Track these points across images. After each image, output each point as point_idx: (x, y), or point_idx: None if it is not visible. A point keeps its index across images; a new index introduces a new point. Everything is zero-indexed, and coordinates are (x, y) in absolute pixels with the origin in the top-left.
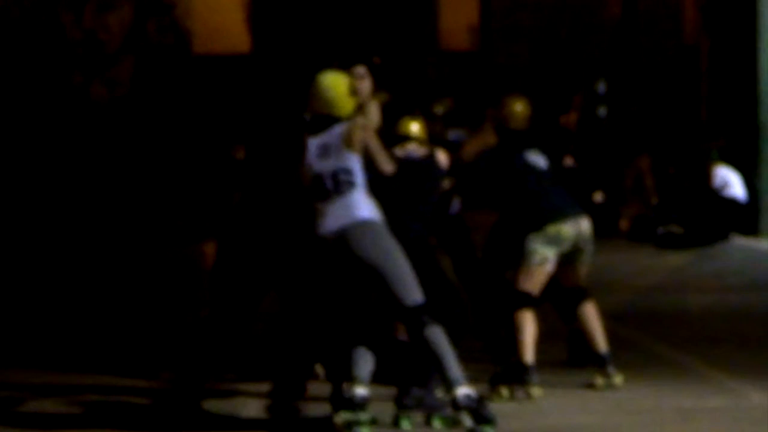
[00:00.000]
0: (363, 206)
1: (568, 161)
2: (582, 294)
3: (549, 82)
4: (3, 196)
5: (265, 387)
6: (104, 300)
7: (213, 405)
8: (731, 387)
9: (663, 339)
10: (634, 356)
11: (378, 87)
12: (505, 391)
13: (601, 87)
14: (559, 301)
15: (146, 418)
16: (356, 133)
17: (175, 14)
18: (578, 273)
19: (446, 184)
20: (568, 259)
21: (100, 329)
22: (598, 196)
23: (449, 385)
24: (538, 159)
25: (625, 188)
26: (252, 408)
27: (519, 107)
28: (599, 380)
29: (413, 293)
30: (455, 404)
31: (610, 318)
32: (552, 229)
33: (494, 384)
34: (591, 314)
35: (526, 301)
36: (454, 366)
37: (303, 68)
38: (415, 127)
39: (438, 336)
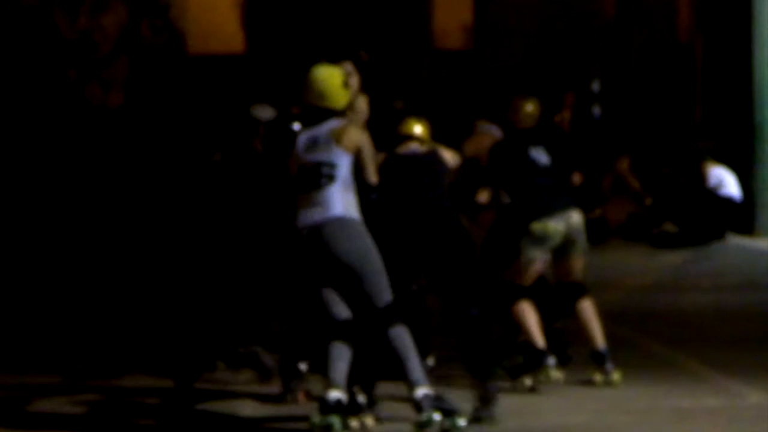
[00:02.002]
0: (339, 203)
1: (576, 178)
2: (581, 290)
3: (543, 82)
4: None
5: (269, 388)
6: (102, 300)
7: (212, 405)
8: (727, 387)
9: (659, 339)
10: (630, 356)
11: (366, 84)
12: (528, 381)
13: (596, 86)
14: (543, 299)
15: (145, 419)
16: (352, 133)
17: (169, 15)
18: (574, 267)
19: (485, 197)
20: (561, 253)
21: (99, 330)
22: (598, 212)
23: (410, 385)
24: (540, 155)
25: (603, 190)
26: (249, 408)
27: (529, 108)
28: (597, 377)
29: (385, 293)
30: (418, 404)
31: (605, 318)
32: (537, 226)
33: (516, 375)
34: (589, 311)
35: (519, 293)
36: (416, 366)
37: (297, 67)
38: (418, 129)
39: (403, 335)
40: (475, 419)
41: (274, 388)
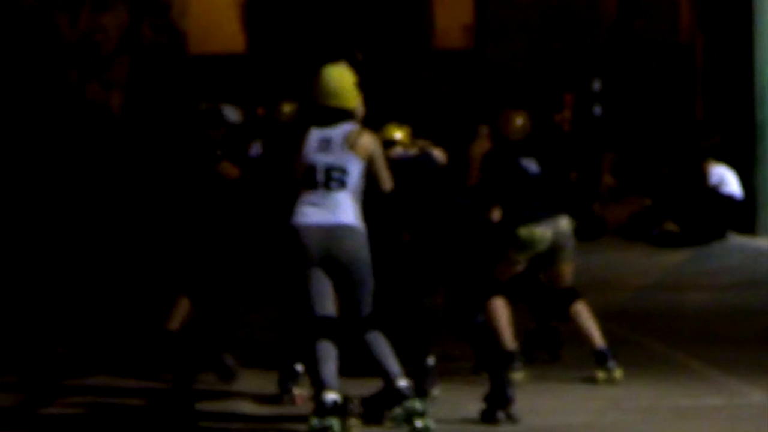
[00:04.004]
0: (348, 210)
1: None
2: (573, 295)
3: (543, 81)
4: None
5: (266, 388)
6: (101, 301)
7: (209, 405)
8: (728, 385)
9: (660, 338)
10: (631, 355)
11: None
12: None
13: (596, 85)
14: (534, 301)
15: (143, 419)
16: (366, 140)
17: (170, 15)
18: (565, 272)
19: (498, 215)
20: (550, 259)
21: (98, 330)
22: (597, 211)
23: (391, 379)
24: (530, 164)
25: (601, 190)
26: (247, 408)
27: (519, 121)
28: (600, 375)
29: (369, 305)
30: (401, 395)
31: (606, 317)
32: (523, 231)
33: (477, 372)
34: (584, 314)
35: (494, 288)
36: (392, 362)
37: (296, 68)
38: (399, 134)
39: (379, 340)
40: (493, 420)
41: (271, 388)
